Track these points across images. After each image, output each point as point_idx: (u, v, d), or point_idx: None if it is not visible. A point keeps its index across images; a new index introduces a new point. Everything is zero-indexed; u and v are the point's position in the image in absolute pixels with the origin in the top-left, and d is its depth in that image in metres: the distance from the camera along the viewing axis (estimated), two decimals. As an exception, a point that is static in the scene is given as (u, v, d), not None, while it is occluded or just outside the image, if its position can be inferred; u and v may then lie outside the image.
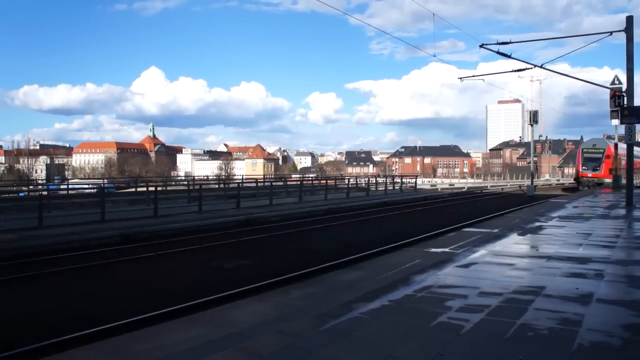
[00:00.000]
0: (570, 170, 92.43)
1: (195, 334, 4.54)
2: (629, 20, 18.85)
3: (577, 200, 22.42)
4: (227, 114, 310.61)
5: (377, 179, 47.54)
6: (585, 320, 4.91)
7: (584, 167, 42.12)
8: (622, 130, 23.59)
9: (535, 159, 42.20)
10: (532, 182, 40.26)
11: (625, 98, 19.23)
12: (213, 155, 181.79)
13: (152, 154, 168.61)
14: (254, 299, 5.87)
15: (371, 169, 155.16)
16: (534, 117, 35.97)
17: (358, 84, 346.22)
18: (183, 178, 79.99)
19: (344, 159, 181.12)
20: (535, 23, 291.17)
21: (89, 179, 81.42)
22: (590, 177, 41.40)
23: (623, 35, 18.94)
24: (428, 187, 57.87)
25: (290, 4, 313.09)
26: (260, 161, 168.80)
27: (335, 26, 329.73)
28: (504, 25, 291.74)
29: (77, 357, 4.26)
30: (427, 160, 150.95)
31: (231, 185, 39.25)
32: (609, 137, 52.90)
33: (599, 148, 42.15)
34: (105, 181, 47.11)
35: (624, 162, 40.01)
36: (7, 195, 28.69)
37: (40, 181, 60.56)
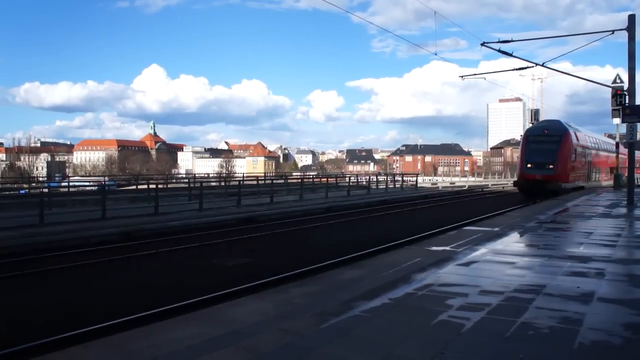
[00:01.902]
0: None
1: (195, 332, 4.53)
2: (631, 18, 18.81)
3: (577, 199, 22.37)
4: (229, 112, 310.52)
5: (378, 177, 47.51)
6: (586, 319, 4.90)
7: (528, 165, 27.53)
8: (623, 129, 23.51)
9: (537, 157, 41.44)
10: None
11: (627, 97, 19.20)
12: (214, 153, 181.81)
13: (153, 152, 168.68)
14: (254, 297, 5.86)
15: (372, 167, 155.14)
16: (535, 116, 36.07)
17: (359, 82, 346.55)
18: (184, 176, 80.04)
19: (344, 157, 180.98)
20: (538, 21, 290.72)
21: (90, 176, 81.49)
22: (539, 179, 26.33)
23: (625, 34, 18.89)
24: (429, 185, 57.87)
25: (293, 1, 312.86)
26: (261, 159, 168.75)
27: (337, 24, 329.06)
28: (507, 24, 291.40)
29: (76, 354, 4.25)
30: (428, 158, 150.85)
31: (232, 183, 39.27)
32: (610, 136, 52.32)
33: (552, 135, 27.63)
34: (106, 179, 47.12)
35: (588, 160, 33.74)
36: (8, 193, 28.70)
37: (41, 178, 60.67)
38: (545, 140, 27.33)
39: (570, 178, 27.60)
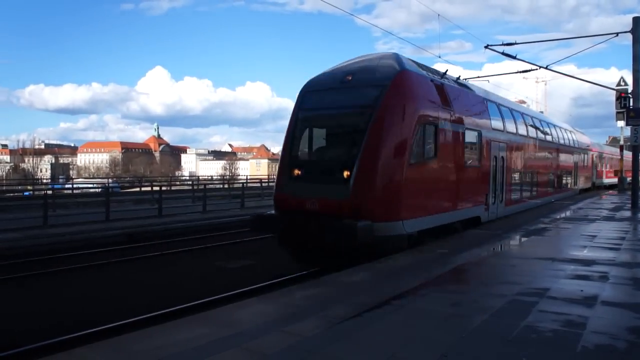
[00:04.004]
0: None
1: (199, 333, 4.55)
2: (636, 21, 18.74)
3: (580, 203, 22.28)
4: (232, 114, 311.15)
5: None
6: (590, 323, 4.89)
7: (295, 172, 9.82)
8: (628, 131, 23.47)
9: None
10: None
11: (631, 99, 19.14)
12: (217, 155, 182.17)
13: (157, 154, 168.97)
14: (258, 299, 5.88)
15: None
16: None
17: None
18: (187, 178, 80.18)
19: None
20: (543, 24, 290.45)
21: (94, 178, 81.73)
22: (311, 209, 8.98)
23: (630, 36, 18.85)
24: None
25: (297, 4, 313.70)
26: (265, 161, 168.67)
27: (341, 27, 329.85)
28: (512, 26, 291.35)
29: (81, 355, 4.27)
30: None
31: (235, 185, 39.31)
32: (614, 140, 51.39)
33: (361, 85, 9.64)
34: (110, 181, 47.26)
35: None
36: (12, 195, 28.83)
37: (45, 180, 60.89)
38: (343, 106, 10.04)
39: (408, 206, 9.46)
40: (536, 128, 18.55)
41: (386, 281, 6.66)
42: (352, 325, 4.81)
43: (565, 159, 23.13)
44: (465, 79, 18.45)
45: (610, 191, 32.83)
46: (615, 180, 36.94)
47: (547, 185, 20.33)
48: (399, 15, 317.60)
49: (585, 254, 8.94)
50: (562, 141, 22.54)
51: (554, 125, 22.38)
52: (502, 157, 14.26)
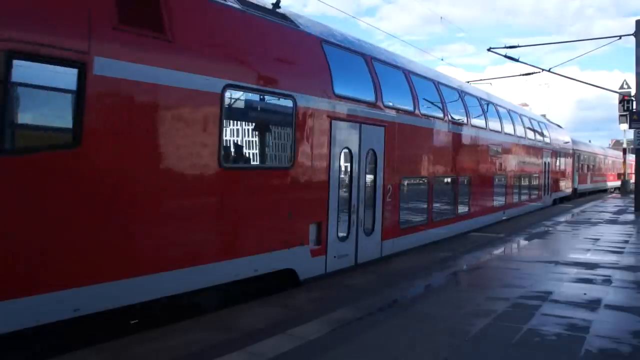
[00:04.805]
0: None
1: (202, 336, 4.55)
2: (639, 24, 18.72)
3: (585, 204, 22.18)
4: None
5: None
6: (593, 327, 4.87)
7: None
8: (630, 134, 23.40)
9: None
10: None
11: (634, 102, 19.11)
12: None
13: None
14: (261, 302, 5.86)
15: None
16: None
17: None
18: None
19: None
20: (546, 26, 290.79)
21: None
22: None
23: (633, 39, 18.82)
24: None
25: (301, 6, 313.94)
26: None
27: (345, 29, 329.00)
28: (515, 29, 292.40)
29: (83, 357, 4.27)
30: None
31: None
32: (617, 143, 51.16)
33: None
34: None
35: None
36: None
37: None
38: None
39: None
40: (468, 110, 12.19)
41: (389, 285, 6.64)
42: (355, 328, 4.80)
43: (527, 158, 17.14)
44: (468, 82, 17.23)
45: (614, 193, 32.67)
46: (607, 185, 36.64)
47: (492, 197, 14.08)
48: (402, 18, 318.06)
49: (588, 257, 8.91)
50: (521, 133, 16.41)
51: (510, 111, 16.05)
52: (373, 150, 8.26)
